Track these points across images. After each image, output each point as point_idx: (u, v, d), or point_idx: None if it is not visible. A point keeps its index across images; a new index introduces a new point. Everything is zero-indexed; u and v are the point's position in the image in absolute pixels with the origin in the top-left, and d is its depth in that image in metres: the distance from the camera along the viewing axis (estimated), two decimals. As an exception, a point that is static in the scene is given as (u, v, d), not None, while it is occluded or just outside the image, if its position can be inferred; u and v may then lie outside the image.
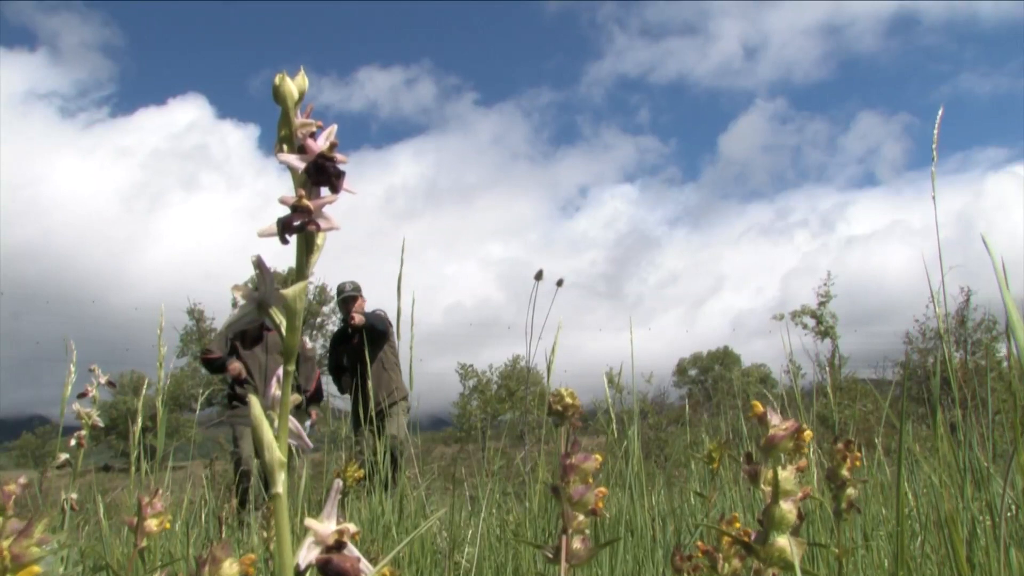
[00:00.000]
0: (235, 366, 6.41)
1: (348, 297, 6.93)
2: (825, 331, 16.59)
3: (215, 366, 6.57)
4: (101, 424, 1.81)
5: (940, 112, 1.30)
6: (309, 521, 0.59)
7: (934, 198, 1.26)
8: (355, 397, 6.85)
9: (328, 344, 7.43)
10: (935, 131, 1.28)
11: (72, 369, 1.77)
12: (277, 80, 0.54)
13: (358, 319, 6.86)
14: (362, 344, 6.65)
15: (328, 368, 7.31)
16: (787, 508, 0.63)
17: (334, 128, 0.55)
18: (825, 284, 17.20)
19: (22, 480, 0.99)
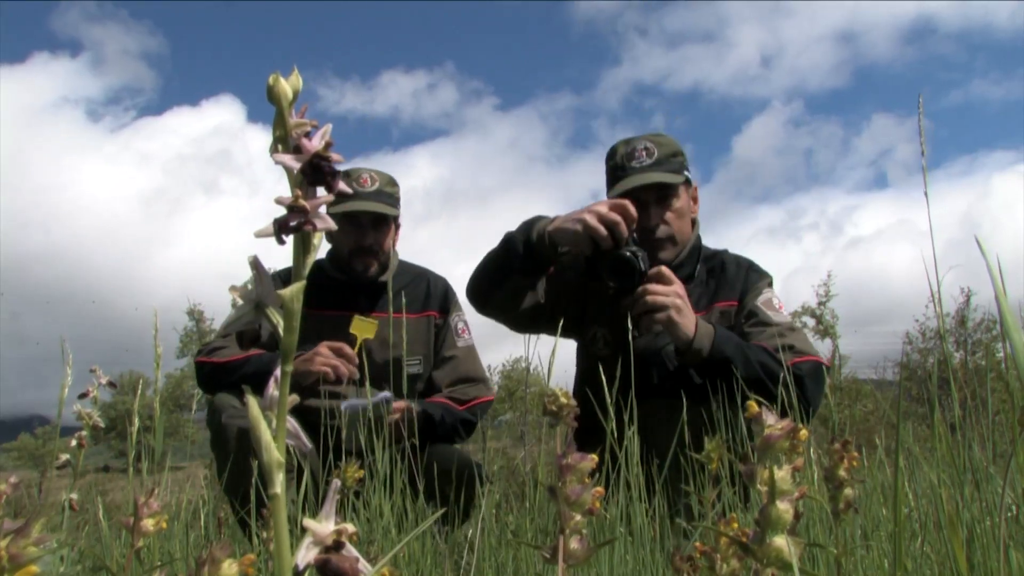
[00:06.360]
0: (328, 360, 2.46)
1: (647, 186, 2.45)
2: (825, 330, 16.59)
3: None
4: (102, 425, 1.81)
5: (920, 101, 1.30)
6: (307, 521, 0.59)
7: (927, 194, 1.27)
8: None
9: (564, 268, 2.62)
10: (919, 122, 1.28)
11: (68, 371, 1.76)
12: (271, 80, 0.55)
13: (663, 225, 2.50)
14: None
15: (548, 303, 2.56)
16: (783, 508, 0.63)
17: (329, 127, 0.56)
18: (825, 283, 17.18)
19: (13, 479, 0.99)
